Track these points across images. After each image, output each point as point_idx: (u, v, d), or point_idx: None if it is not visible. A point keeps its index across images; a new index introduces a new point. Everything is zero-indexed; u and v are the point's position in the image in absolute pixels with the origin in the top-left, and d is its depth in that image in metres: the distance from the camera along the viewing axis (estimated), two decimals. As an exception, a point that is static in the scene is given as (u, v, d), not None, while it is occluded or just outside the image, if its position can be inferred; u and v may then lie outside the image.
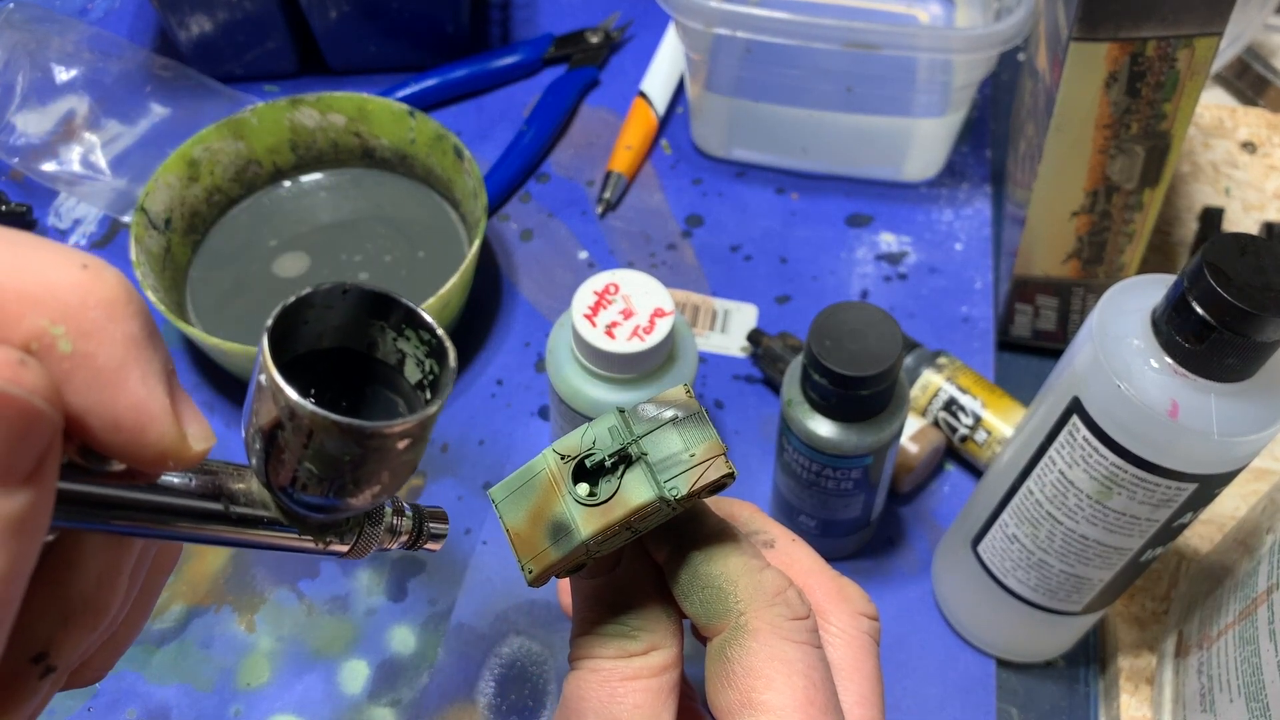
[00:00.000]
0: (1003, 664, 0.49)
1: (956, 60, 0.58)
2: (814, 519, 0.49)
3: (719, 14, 0.57)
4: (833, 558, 0.52)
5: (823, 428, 0.44)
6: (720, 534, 0.27)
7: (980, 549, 0.45)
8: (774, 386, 0.58)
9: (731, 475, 0.26)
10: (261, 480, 0.21)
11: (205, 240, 0.61)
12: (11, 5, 0.69)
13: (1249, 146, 0.68)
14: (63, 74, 0.67)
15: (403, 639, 0.50)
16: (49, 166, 0.65)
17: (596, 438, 0.26)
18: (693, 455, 0.26)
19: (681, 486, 0.25)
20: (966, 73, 0.59)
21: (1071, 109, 0.47)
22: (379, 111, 0.61)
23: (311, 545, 0.23)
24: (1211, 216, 0.64)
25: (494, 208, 0.66)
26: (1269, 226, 0.64)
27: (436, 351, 0.21)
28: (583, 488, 0.26)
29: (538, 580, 0.26)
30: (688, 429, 0.26)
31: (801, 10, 0.66)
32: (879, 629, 0.30)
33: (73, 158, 0.65)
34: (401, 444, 0.20)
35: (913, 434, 0.52)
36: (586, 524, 0.25)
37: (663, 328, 0.46)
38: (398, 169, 0.64)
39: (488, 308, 0.62)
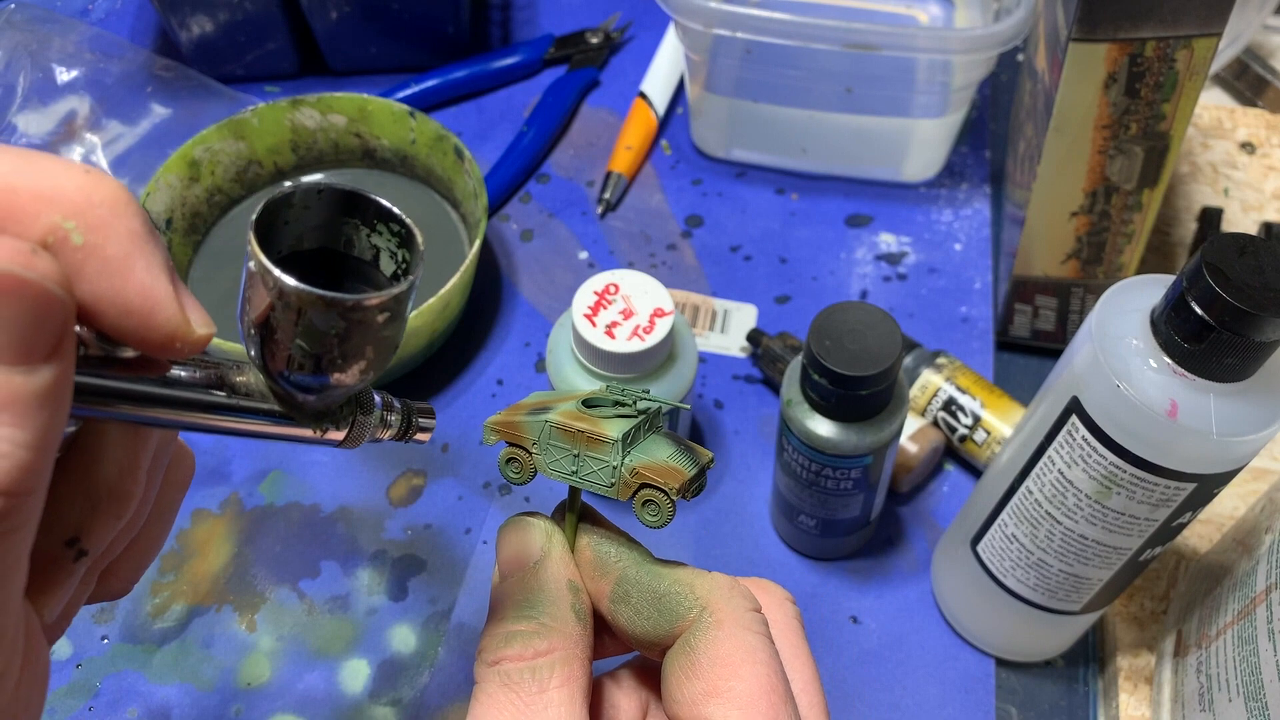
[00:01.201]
0: (1002, 663, 0.49)
1: (956, 61, 0.58)
2: (813, 518, 0.49)
3: (719, 15, 0.57)
4: (832, 557, 0.52)
5: (822, 427, 0.44)
6: (662, 560, 0.29)
7: (979, 548, 0.45)
8: (774, 386, 0.58)
9: (674, 491, 0.27)
10: (258, 365, 0.23)
11: (206, 241, 0.61)
12: (13, 6, 0.69)
13: (1248, 147, 0.68)
14: (64, 74, 0.67)
15: (403, 638, 0.50)
16: (50, 167, 0.65)
17: (625, 391, 0.30)
18: (667, 460, 0.28)
19: (637, 464, 0.28)
20: (966, 73, 0.59)
21: (1070, 109, 0.47)
22: (380, 112, 0.62)
23: (310, 434, 0.25)
24: (1210, 217, 0.64)
25: (494, 208, 0.66)
26: (1268, 227, 0.64)
27: (406, 241, 0.23)
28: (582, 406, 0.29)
29: (491, 428, 0.29)
30: (682, 455, 0.28)
31: (801, 11, 0.67)
32: (800, 612, 0.31)
33: (74, 158, 0.65)
34: (381, 317, 0.22)
35: (912, 434, 0.52)
36: (558, 414, 0.29)
37: (663, 328, 0.47)
38: (398, 169, 0.64)
39: (488, 308, 0.62)
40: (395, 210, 0.23)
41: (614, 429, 0.28)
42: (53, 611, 0.23)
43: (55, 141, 0.66)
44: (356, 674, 0.49)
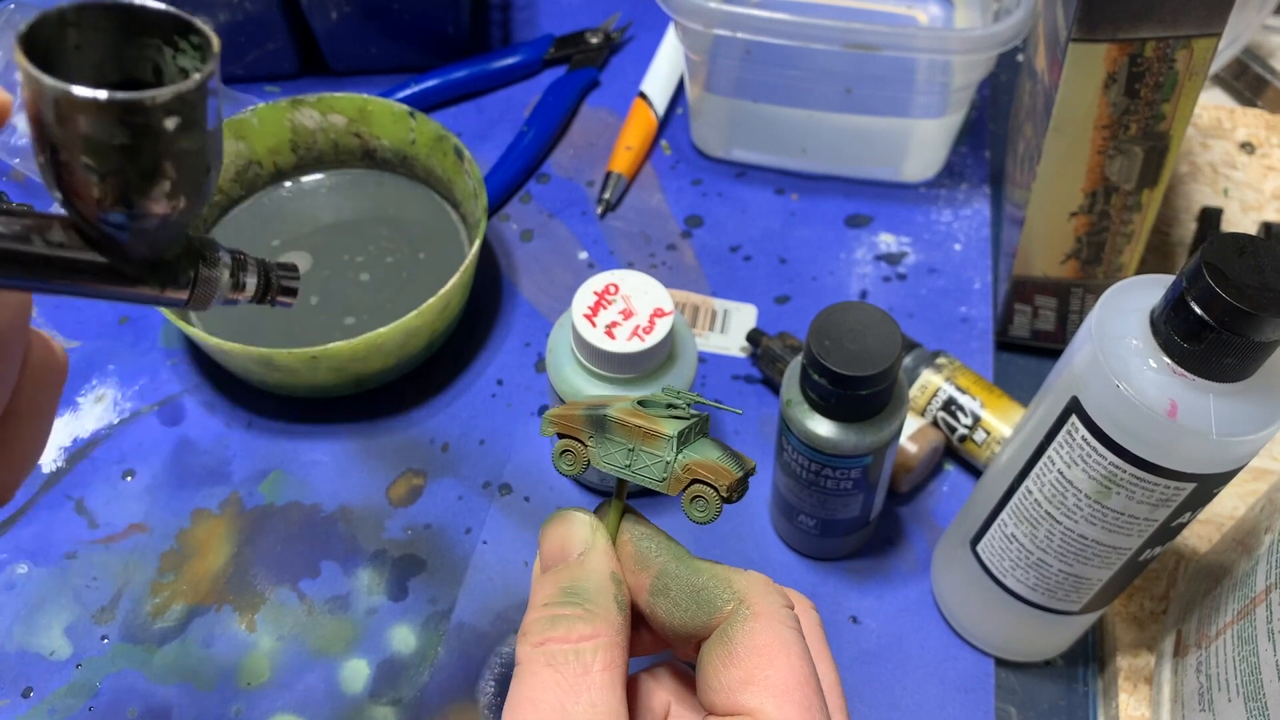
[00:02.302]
0: (1001, 663, 0.49)
1: (955, 61, 0.58)
2: (813, 518, 0.49)
3: (719, 15, 0.57)
4: (832, 557, 0.52)
5: (822, 427, 0.44)
6: (699, 558, 0.30)
7: (979, 548, 0.45)
8: (773, 386, 0.58)
9: (724, 489, 0.29)
10: (63, 204, 0.21)
11: (206, 240, 0.61)
12: (13, 6, 0.69)
13: (1247, 147, 0.68)
14: (64, 75, 0.67)
15: (403, 638, 0.50)
16: (50, 167, 0.65)
17: (679, 394, 0.32)
18: (717, 460, 0.29)
19: (689, 461, 0.29)
20: (965, 74, 0.59)
21: (1070, 110, 0.47)
22: (380, 112, 0.62)
23: (148, 291, 0.23)
24: (1210, 217, 0.64)
25: (494, 208, 0.66)
26: (1267, 227, 0.64)
27: (208, 50, 0.21)
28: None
29: (550, 420, 0.31)
30: (730, 458, 0.29)
31: (801, 11, 0.67)
32: (821, 619, 0.32)
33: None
34: (169, 123, 0.20)
35: (912, 434, 0.52)
36: (616, 410, 0.30)
37: (662, 328, 0.47)
38: (398, 170, 0.64)
39: (488, 308, 0.62)
40: (189, 18, 0.21)
41: (670, 426, 0.29)
42: None
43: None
44: (356, 674, 0.49)
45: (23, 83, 0.19)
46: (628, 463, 0.30)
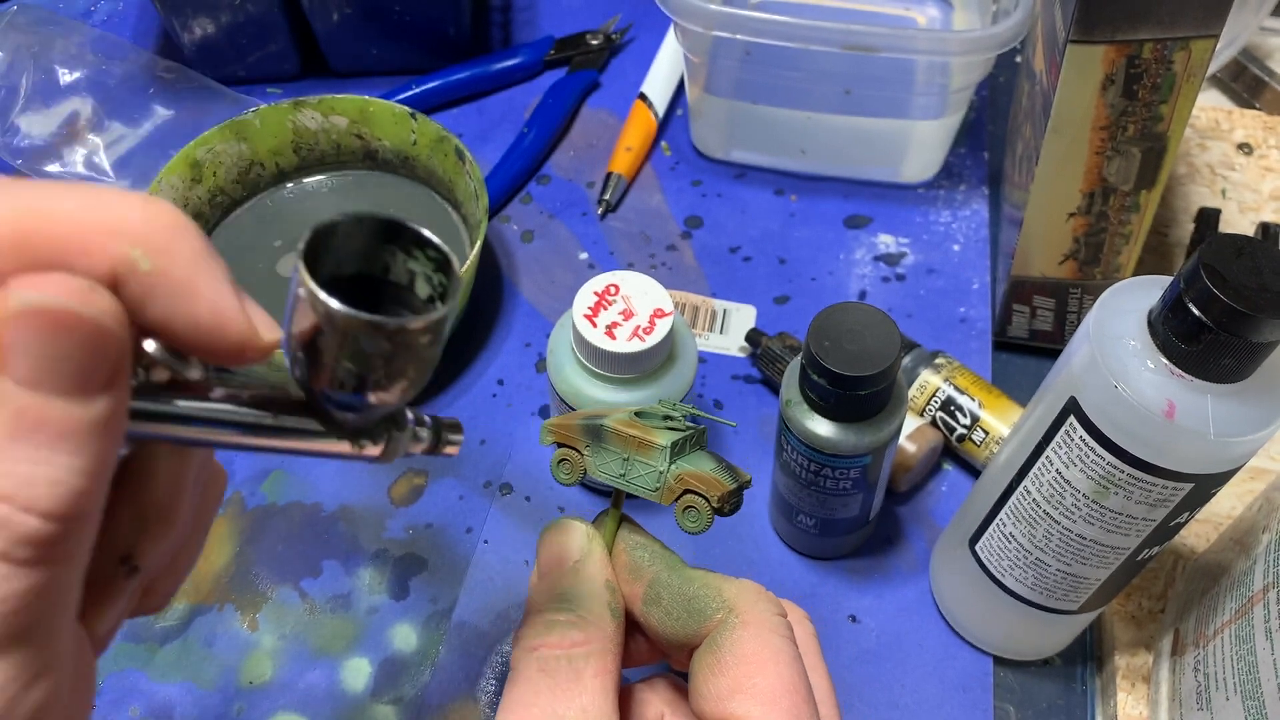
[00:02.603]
0: (1000, 662, 0.49)
1: (954, 62, 0.58)
2: (812, 518, 0.49)
3: (718, 17, 0.57)
4: (831, 557, 0.53)
5: (821, 427, 0.44)
6: (693, 566, 0.30)
7: (978, 548, 0.45)
8: (773, 387, 0.58)
9: (715, 499, 0.29)
10: (301, 385, 0.24)
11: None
12: (15, 7, 0.69)
13: (1245, 148, 0.68)
14: (66, 76, 0.68)
15: (404, 637, 0.50)
16: (53, 168, 0.65)
17: (675, 406, 0.32)
18: (710, 472, 0.30)
19: (682, 471, 0.29)
20: (964, 75, 0.60)
21: (1068, 111, 0.48)
22: (381, 113, 0.62)
23: (348, 449, 0.26)
24: (1207, 218, 0.64)
25: (495, 209, 0.67)
26: (1265, 227, 0.64)
27: (443, 267, 0.24)
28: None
29: (548, 430, 0.32)
30: (724, 471, 0.30)
31: (800, 13, 0.67)
32: (816, 631, 0.33)
33: (76, 160, 0.66)
34: (424, 339, 0.23)
35: (911, 433, 0.53)
36: (613, 420, 0.30)
37: (662, 328, 0.47)
38: (400, 171, 0.64)
39: (489, 308, 0.62)
40: (433, 238, 0.24)
41: (664, 437, 0.30)
42: (106, 628, 0.24)
43: (58, 143, 0.66)
44: (358, 673, 0.49)
45: (304, 298, 0.21)
46: (622, 472, 0.30)
